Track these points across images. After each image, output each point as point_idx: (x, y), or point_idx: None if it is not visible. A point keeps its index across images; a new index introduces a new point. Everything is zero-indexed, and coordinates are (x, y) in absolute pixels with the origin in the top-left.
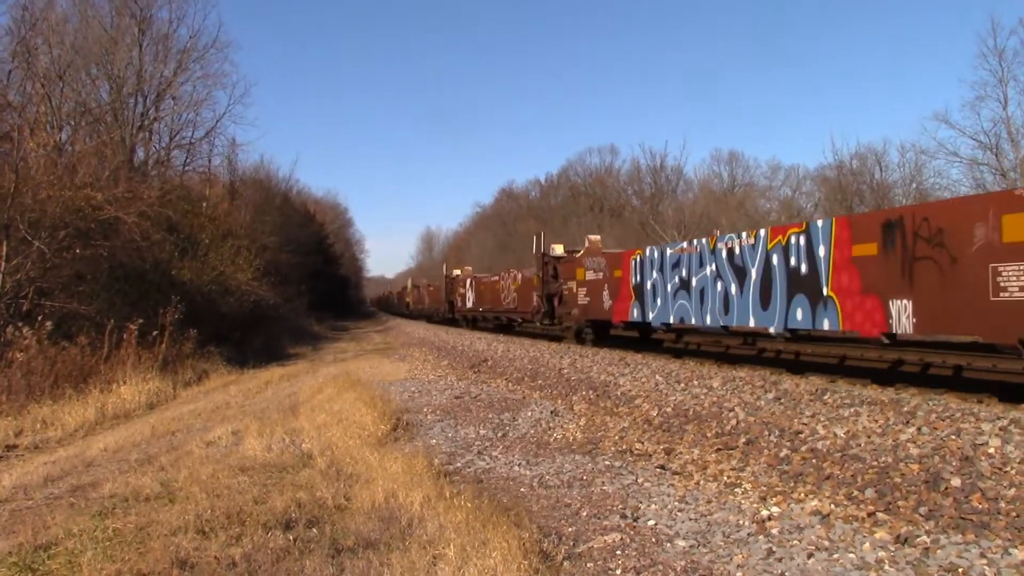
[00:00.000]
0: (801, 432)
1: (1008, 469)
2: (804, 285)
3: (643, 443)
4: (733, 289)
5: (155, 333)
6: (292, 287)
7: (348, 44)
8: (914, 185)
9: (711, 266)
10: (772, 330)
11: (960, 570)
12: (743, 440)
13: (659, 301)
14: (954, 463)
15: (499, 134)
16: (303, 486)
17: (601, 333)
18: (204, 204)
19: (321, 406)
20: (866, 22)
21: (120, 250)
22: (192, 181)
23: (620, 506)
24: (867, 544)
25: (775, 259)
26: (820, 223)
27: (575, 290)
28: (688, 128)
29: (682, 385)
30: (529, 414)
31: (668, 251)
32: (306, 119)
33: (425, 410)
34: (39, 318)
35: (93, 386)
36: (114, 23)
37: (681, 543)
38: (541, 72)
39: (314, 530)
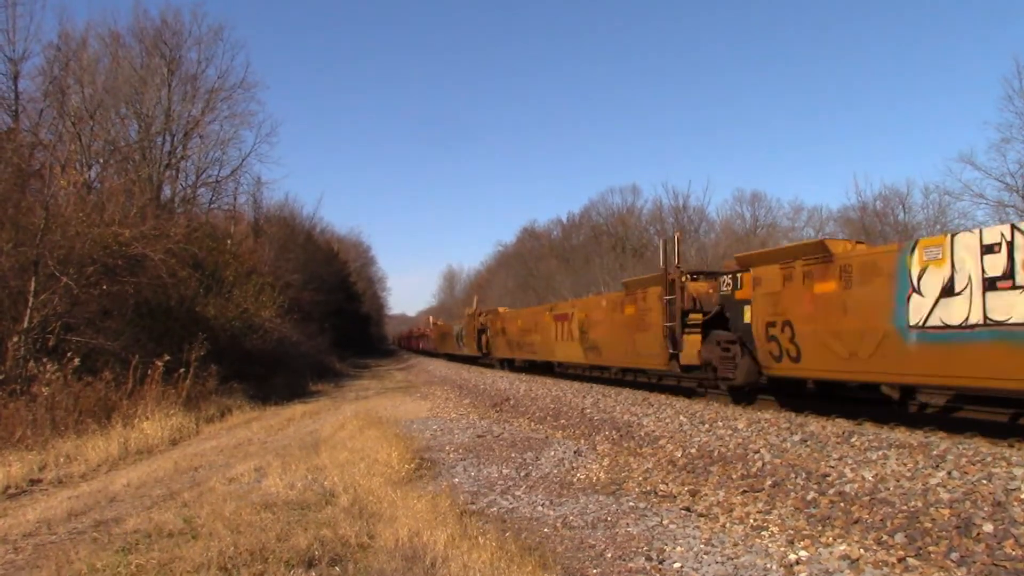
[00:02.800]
0: (828, 475)
1: None
2: None
3: (667, 484)
4: None
5: (182, 370)
6: (315, 324)
7: (373, 86)
8: (938, 227)
9: None
10: None
11: None
12: (769, 482)
13: None
14: (986, 508)
15: (521, 174)
16: (326, 524)
17: None
18: (229, 241)
19: (343, 444)
20: (890, 63)
21: (146, 286)
22: (217, 219)
23: (645, 548)
24: None
25: None
26: None
27: None
28: (711, 168)
29: (706, 426)
30: (552, 454)
31: None
32: (331, 158)
33: (447, 448)
34: (67, 353)
35: (116, 421)
36: (144, 63)
37: None
38: (564, 113)
39: (337, 568)
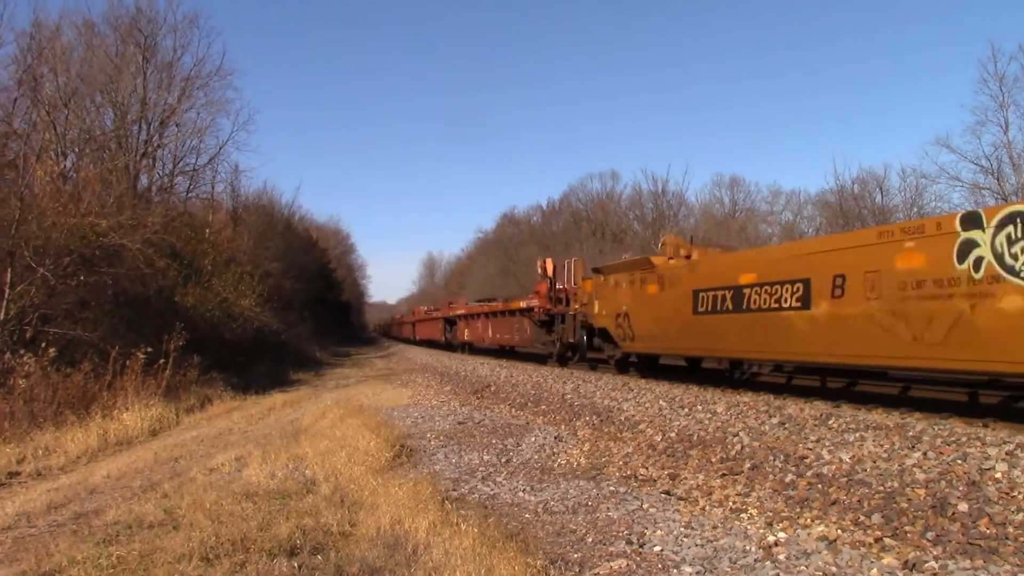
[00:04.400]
0: (806, 457)
1: (1015, 494)
2: None
3: (647, 468)
4: None
5: (161, 360)
6: (295, 313)
7: (351, 71)
8: (915, 209)
9: None
10: None
11: None
12: (748, 465)
13: None
14: (961, 488)
15: (501, 159)
16: (307, 513)
17: None
18: (207, 231)
19: (324, 432)
20: (867, 47)
21: (124, 277)
22: (195, 208)
23: (626, 532)
24: (874, 570)
25: None
26: None
27: None
28: (690, 153)
29: (686, 410)
30: (533, 439)
31: None
32: (309, 145)
33: (428, 436)
34: (42, 345)
35: (95, 413)
36: (119, 51)
37: (688, 569)
38: (542, 98)
39: (319, 557)
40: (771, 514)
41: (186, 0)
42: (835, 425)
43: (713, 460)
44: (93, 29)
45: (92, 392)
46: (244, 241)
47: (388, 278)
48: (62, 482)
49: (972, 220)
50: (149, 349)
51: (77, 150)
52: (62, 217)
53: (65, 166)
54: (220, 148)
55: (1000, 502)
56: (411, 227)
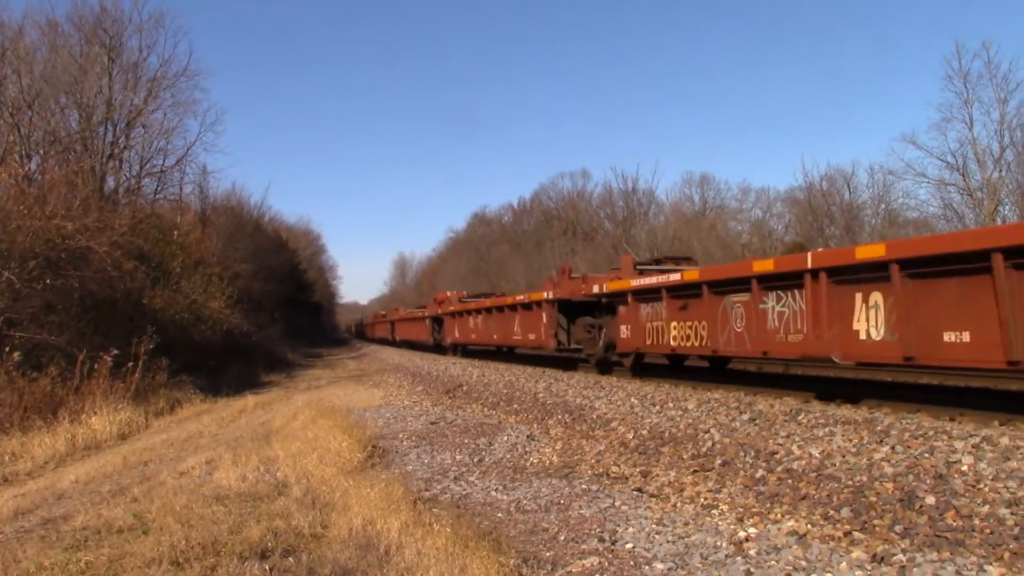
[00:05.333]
0: (776, 453)
1: (981, 486)
2: None
3: (620, 466)
4: None
5: (130, 364)
6: (265, 314)
7: (320, 71)
8: (883, 206)
9: None
10: None
11: None
12: (719, 462)
13: None
14: (928, 481)
15: (471, 157)
16: (279, 515)
17: None
18: (175, 232)
19: (295, 434)
20: (834, 45)
21: (91, 280)
22: (163, 209)
23: (598, 530)
24: (844, 564)
25: None
26: None
27: None
28: (659, 151)
29: (657, 407)
30: (505, 439)
31: None
32: (278, 146)
33: (401, 436)
34: (7, 349)
35: (63, 417)
36: (83, 52)
37: (659, 566)
38: (512, 97)
39: (290, 559)
40: (742, 510)
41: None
42: (805, 420)
43: (684, 457)
44: (57, 29)
45: (59, 396)
46: (213, 243)
47: (359, 279)
48: (29, 487)
49: None
50: (116, 352)
51: (42, 152)
52: (27, 220)
53: (30, 168)
54: (188, 149)
55: (966, 495)
56: (382, 227)
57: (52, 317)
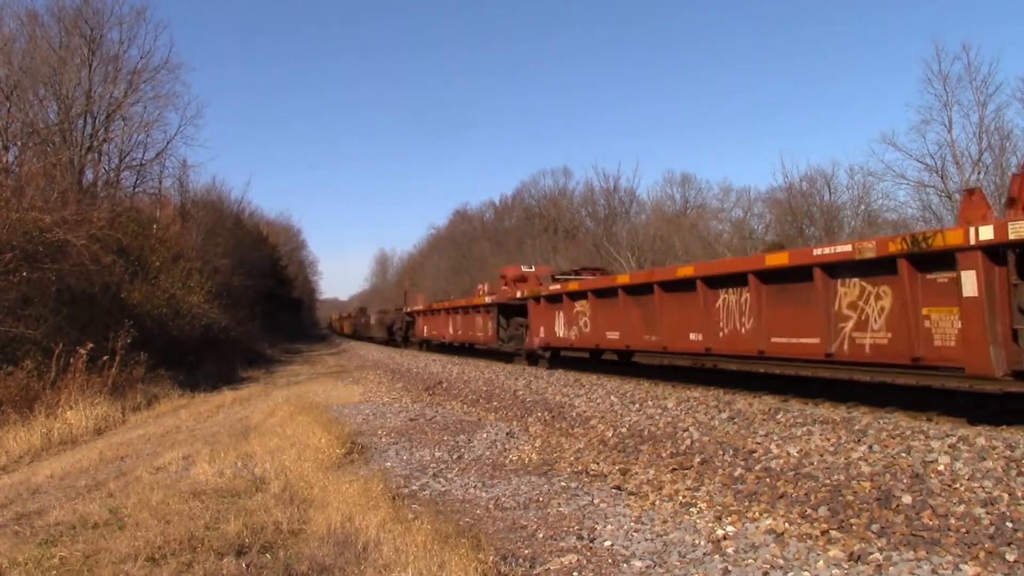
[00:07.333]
0: (755, 451)
1: (957, 486)
2: None
3: (599, 464)
4: None
5: (105, 358)
6: (245, 310)
7: (301, 66)
8: (862, 207)
9: None
10: None
11: None
12: (698, 460)
13: None
14: (905, 480)
15: (453, 154)
16: (256, 511)
17: None
18: (155, 226)
19: (274, 430)
20: (815, 46)
21: (68, 273)
22: (143, 203)
23: (576, 527)
24: (821, 562)
25: None
26: None
27: None
28: (641, 150)
29: (637, 406)
30: (485, 436)
31: None
32: (259, 140)
33: (380, 433)
34: None
35: (39, 411)
36: (63, 43)
37: (637, 563)
38: (495, 94)
39: (268, 556)
40: (720, 508)
41: None
42: (783, 419)
43: (663, 455)
44: (36, 20)
45: (35, 390)
46: (192, 237)
47: (340, 275)
48: (3, 482)
49: None
50: (93, 346)
51: (20, 143)
52: (4, 212)
53: (7, 160)
54: (168, 143)
55: (943, 494)
56: (363, 223)
57: (28, 310)
